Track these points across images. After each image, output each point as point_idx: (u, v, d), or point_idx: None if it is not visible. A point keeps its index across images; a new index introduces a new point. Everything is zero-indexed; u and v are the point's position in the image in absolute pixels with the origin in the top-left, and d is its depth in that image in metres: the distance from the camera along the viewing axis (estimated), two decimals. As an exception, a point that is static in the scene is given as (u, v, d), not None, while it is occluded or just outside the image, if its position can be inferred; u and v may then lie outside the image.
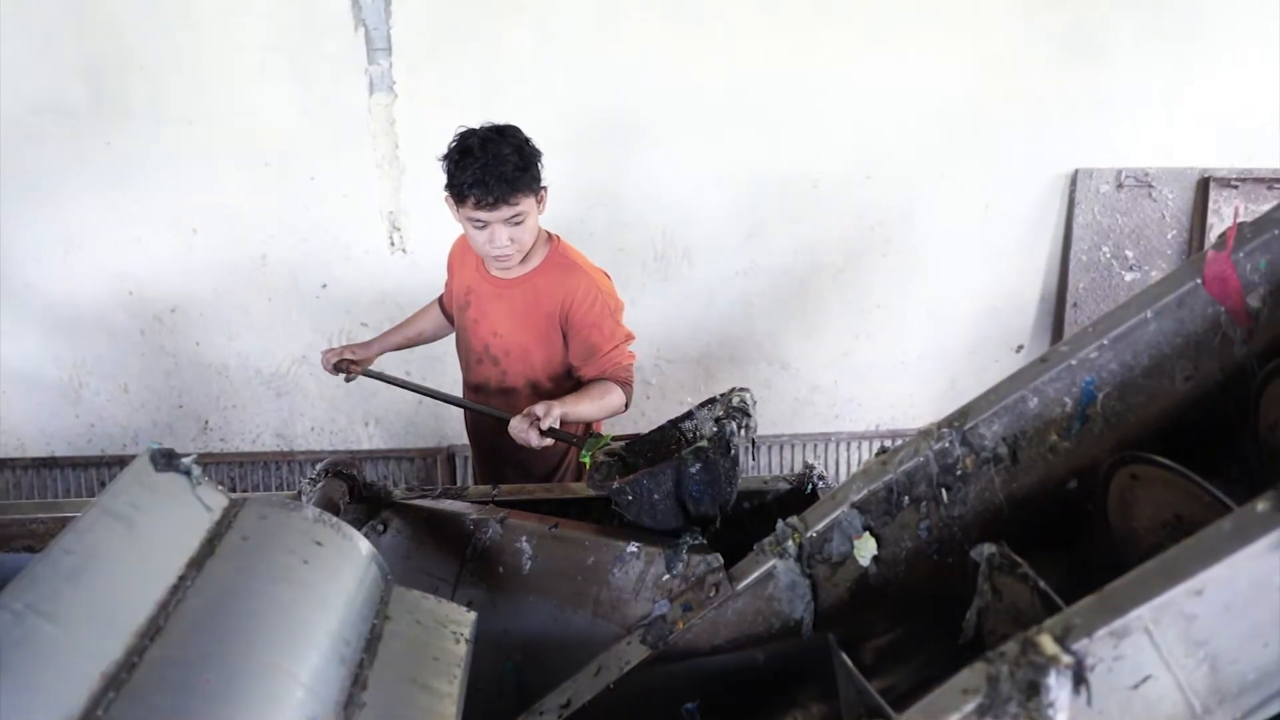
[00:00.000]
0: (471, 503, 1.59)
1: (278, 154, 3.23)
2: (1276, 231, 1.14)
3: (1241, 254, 1.15)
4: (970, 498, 1.22)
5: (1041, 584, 1.03)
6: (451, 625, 1.26)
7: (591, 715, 1.29)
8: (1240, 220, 1.18)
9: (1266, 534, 0.81)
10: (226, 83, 3.12)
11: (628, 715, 1.30)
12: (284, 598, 1.07)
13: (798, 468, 2.48)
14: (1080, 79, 3.49)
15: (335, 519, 1.21)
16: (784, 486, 1.60)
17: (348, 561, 1.19)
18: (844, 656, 1.14)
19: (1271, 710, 0.97)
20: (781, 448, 3.77)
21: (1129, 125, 3.54)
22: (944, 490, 1.21)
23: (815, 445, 3.78)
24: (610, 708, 1.29)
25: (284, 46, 3.11)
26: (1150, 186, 3.56)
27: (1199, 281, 1.15)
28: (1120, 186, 3.57)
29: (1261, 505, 0.83)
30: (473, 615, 1.28)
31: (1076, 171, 3.57)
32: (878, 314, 3.65)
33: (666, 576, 1.32)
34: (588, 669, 1.33)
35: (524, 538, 1.44)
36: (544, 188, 2.04)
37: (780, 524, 1.25)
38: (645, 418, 3.73)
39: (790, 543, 1.22)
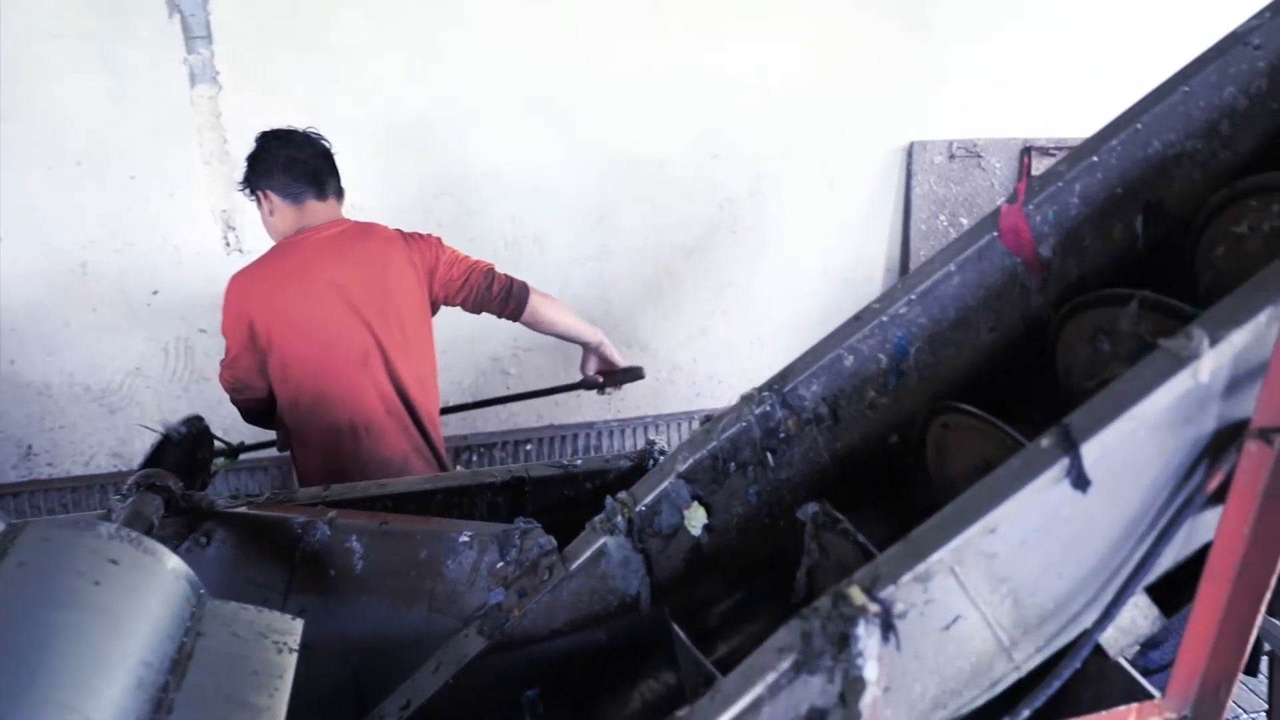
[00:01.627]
0: (301, 505, 1.51)
1: (91, 152, 3.01)
2: (1061, 184, 1.19)
3: (1031, 206, 1.19)
4: (796, 459, 1.24)
5: (859, 537, 1.05)
6: (274, 635, 1.19)
7: (432, 714, 1.25)
8: (1030, 175, 1.23)
9: (1049, 468, 0.84)
10: (25, 73, 2.87)
11: (470, 709, 1.26)
12: (69, 625, 0.98)
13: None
14: (910, 54, 3.63)
15: (135, 534, 1.12)
16: (625, 464, 1.59)
17: (150, 579, 1.11)
18: (677, 629, 1.14)
19: (1069, 636, 1.01)
20: (645, 429, 3.78)
21: (957, 98, 3.69)
22: (769, 454, 1.22)
23: (679, 424, 3.81)
24: (452, 704, 1.25)
25: (89, 34, 2.89)
26: (979, 156, 3.73)
27: (995, 235, 1.19)
28: (952, 157, 3.72)
29: (1045, 441, 0.86)
30: (298, 623, 1.21)
31: (912, 144, 3.71)
32: (732, 291, 3.71)
33: (500, 564, 1.29)
34: (426, 666, 1.28)
35: (354, 537, 1.38)
36: (257, 194, 2.12)
37: (609, 500, 1.23)
38: (507, 408, 3.68)
39: (620, 518, 1.21)
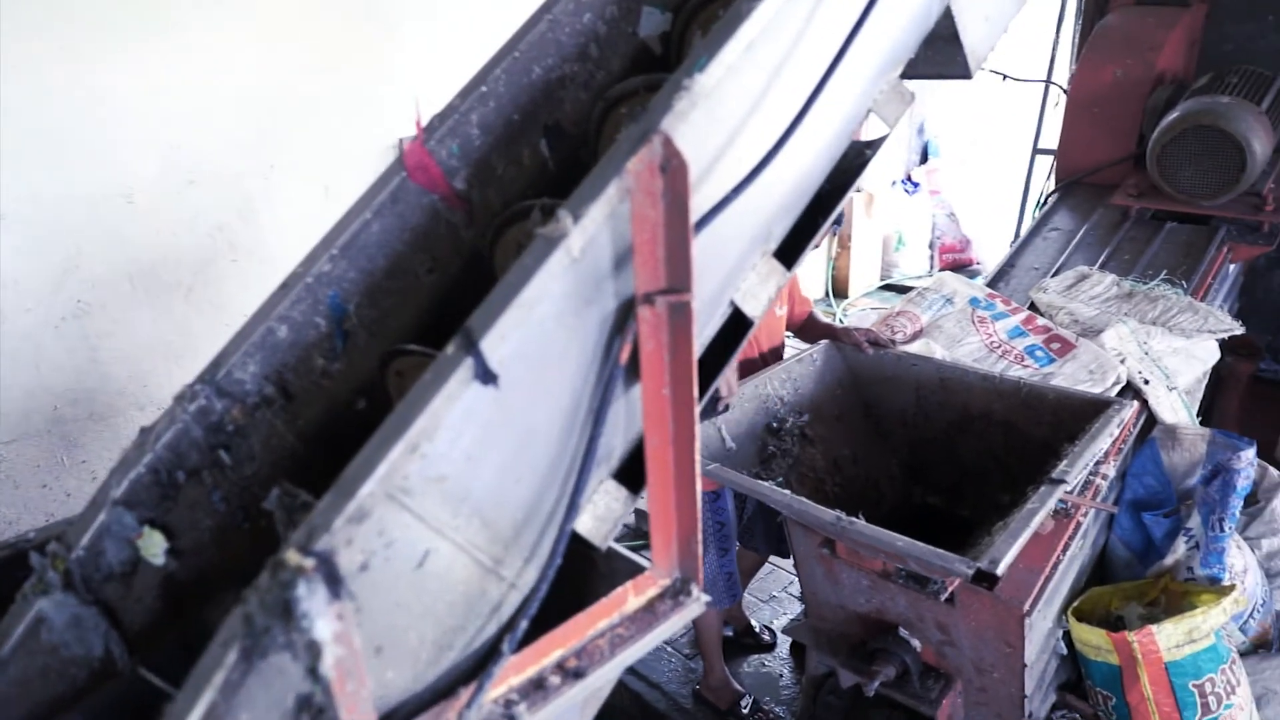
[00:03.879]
0: None
1: None
2: (458, 116, 1.21)
3: (434, 142, 1.20)
4: (257, 450, 1.13)
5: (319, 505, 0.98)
6: None
7: None
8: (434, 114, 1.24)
9: (456, 372, 0.83)
10: None
11: None
12: None
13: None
14: (381, 50, 3.61)
15: None
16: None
17: None
18: (146, 672, 0.98)
19: (550, 536, 1.04)
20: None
21: (437, 89, 3.74)
22: (222, 451, 1.10)
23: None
24: None
25: None
26: (469, 143, 3.83)
27: (404, 175, 1.18)
28: (444, 148, 3.78)
29: (450, 348, 0.85)
30: None
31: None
32: (247, 322, 3.43)
33: (-90, 687, 1.02)
34: None
35: None
36: None
37: (34, 557, 1.03)
38: (2, 515, 3.07)
39: (52, 574, 1.01)
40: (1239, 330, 2.78)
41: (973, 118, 8.20)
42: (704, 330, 1.15)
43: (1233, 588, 2.26)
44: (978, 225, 7.83)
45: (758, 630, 3.59)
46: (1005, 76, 4.71)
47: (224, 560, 1.15)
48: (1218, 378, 3.71)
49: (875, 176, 7.27)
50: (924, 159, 8.06)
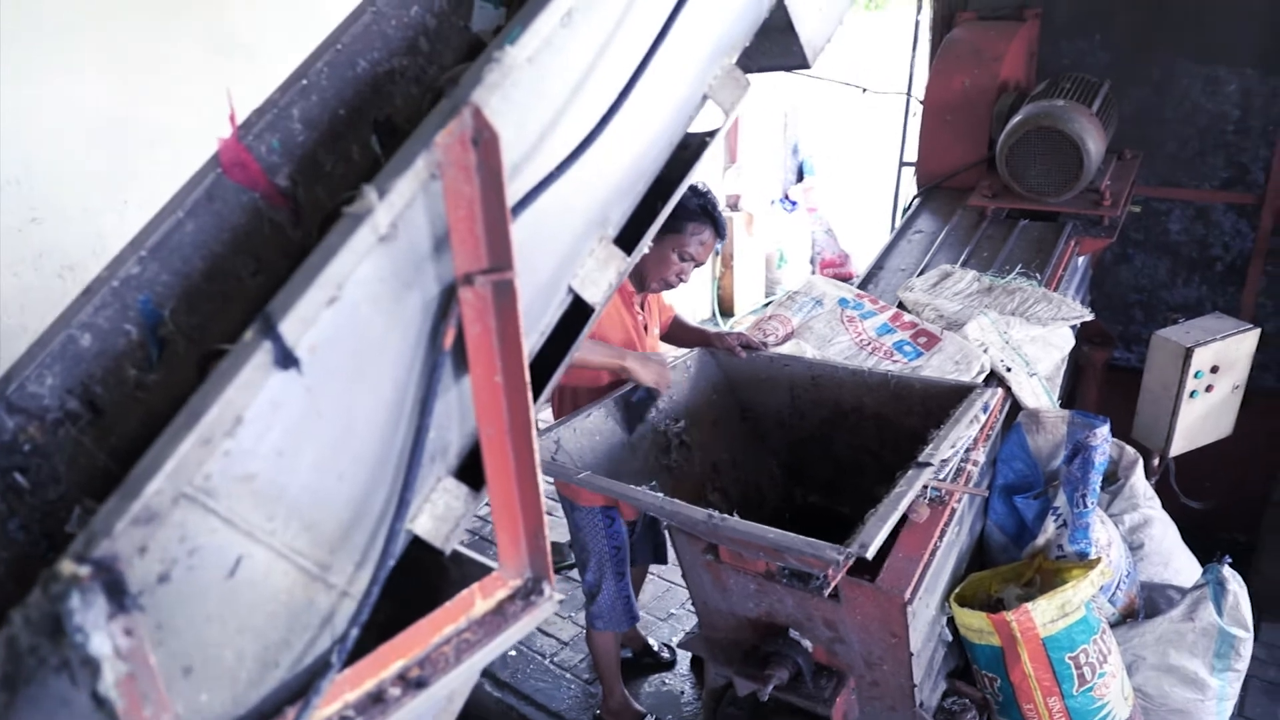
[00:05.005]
0: None
1: None
2: (277, 110, 1.16)
3: (252, 137, 1.14)
4: (62, 471, 1.04)
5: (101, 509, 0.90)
6: None
7: None
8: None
9: (253, 357, 0.77)
10: None
11: None
12: None
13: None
14: (240, 78, 3.48)
15: None
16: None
17: None
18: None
19: (382, 534, 0.98)
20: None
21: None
22: (18, 474, 1.01)
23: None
24: None
25: None
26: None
27: (220, 172, 1.12)
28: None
29: (249, 334, 0.79)
30: None
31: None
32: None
33: None
34: None
35: None
36: None
37: None
38: None
39: None
40: (1089, 316, 2.92)
41: (843, 136, 8.48)
42: (542, 318, 1.12)
43: (1099, 560, 2.34)
44: (854, 239, 8.08)
45: (656, 649, 3.55)
46: (865, 90, 4.89)
47: (26, 595, 1.04)
48: (1077, 367, 3.89)
49: (755, 197, 7.42)
50: (800, 178, 8.29)
